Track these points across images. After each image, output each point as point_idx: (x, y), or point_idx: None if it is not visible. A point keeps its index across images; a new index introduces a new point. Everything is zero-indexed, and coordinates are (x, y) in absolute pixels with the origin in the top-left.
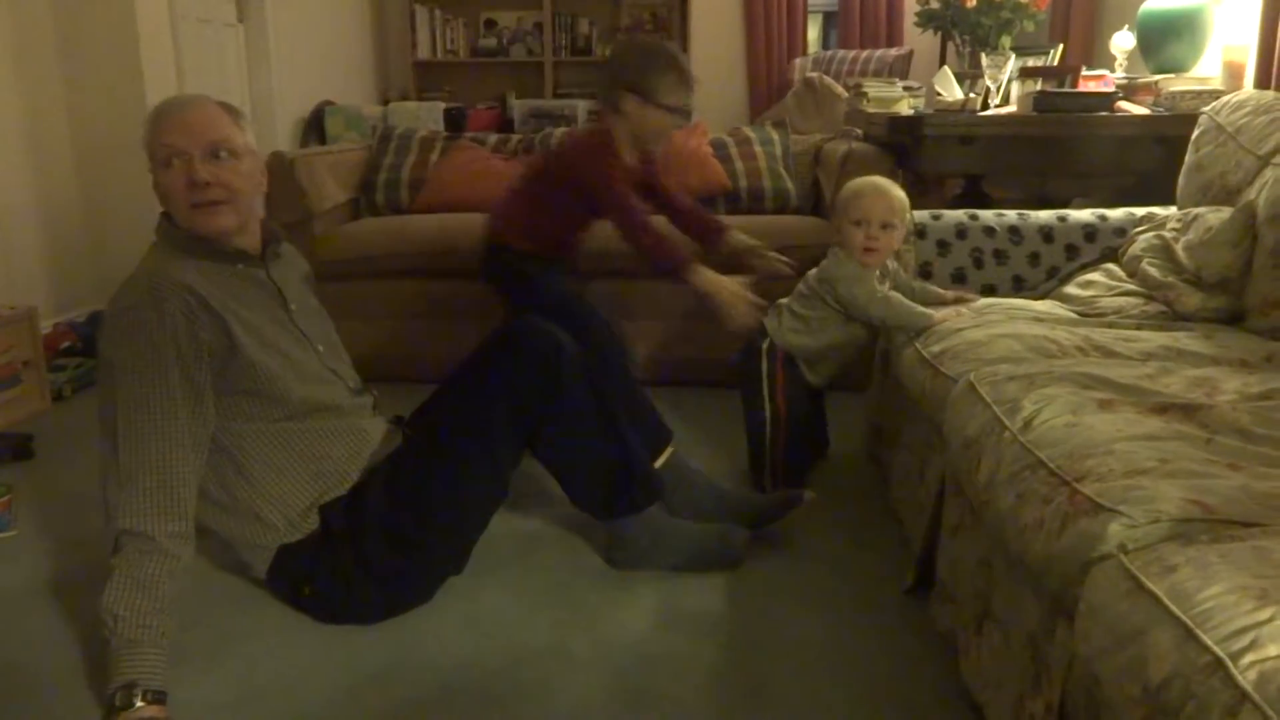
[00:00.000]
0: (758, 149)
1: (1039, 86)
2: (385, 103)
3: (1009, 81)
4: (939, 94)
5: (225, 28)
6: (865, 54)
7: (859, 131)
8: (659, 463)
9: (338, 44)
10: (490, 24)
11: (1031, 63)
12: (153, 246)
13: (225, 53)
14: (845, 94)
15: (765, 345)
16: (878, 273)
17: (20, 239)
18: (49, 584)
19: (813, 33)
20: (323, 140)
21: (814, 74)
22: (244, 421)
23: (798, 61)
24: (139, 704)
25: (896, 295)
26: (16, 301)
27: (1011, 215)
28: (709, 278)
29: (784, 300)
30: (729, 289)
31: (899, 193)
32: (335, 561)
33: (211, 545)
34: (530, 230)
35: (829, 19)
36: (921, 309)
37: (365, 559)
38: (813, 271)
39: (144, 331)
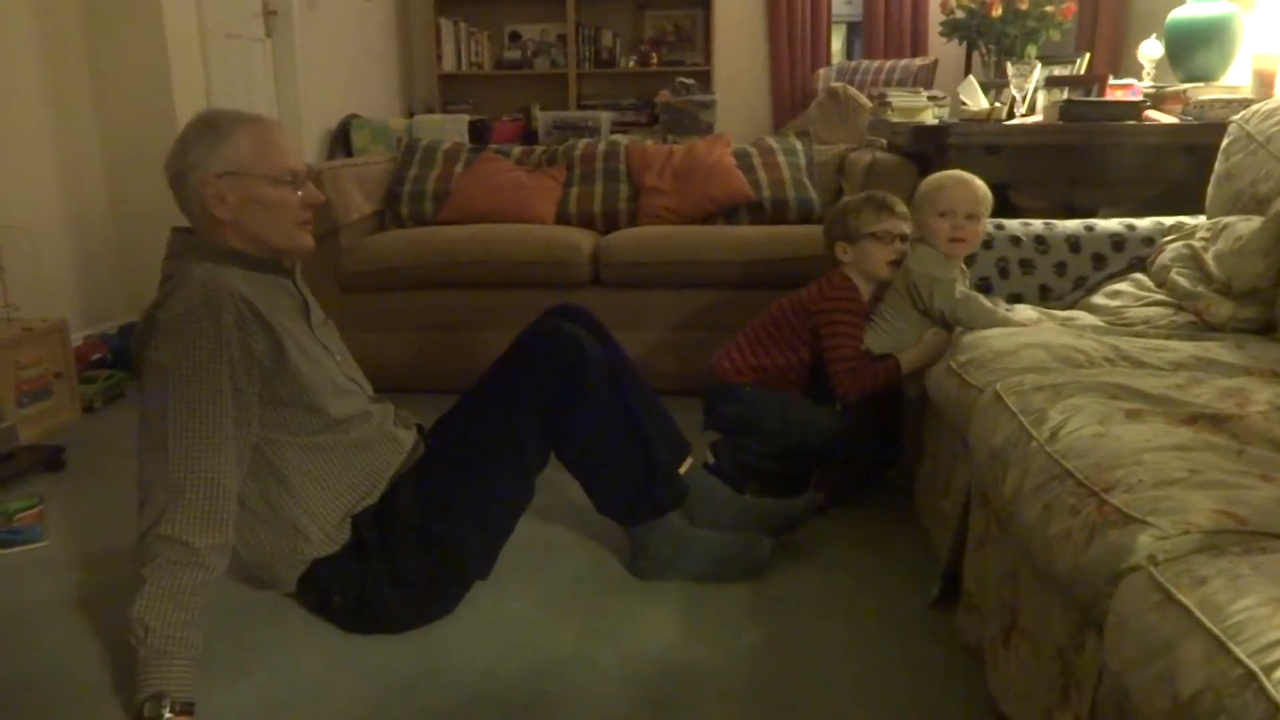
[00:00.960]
0: (781, 159)
1: (1065, 95)
2: (410, 115)
3: (1035, 91)
4: (964, 103)
5: (253, 42)
6: (889, 64)
7: (883, 141)
8: (680, 471)
9: (364, 58)
10: (514, 37)
11: (1058, 71)
12: (181, 256)
13: (253, 67)
14: (869, 104)
15: None
16: (959, 270)
17: (51, 252)
18: (77, 596)
19: (836, 43)
20: (349, 153)
21: (838, 84)
22: (286, 434)
23: (821, 72)
24: (167, 715)
25: (977, 295)
26: (47, 314)
27: (1038, 224)
28: (917, 357)
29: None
30: (935, 348)
31: (982, 184)
32: (366, 570)
33: (233, 561)
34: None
35: (853, 29)
36: (1002, 311)
37: (396, 566)
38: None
39: (199, 339)
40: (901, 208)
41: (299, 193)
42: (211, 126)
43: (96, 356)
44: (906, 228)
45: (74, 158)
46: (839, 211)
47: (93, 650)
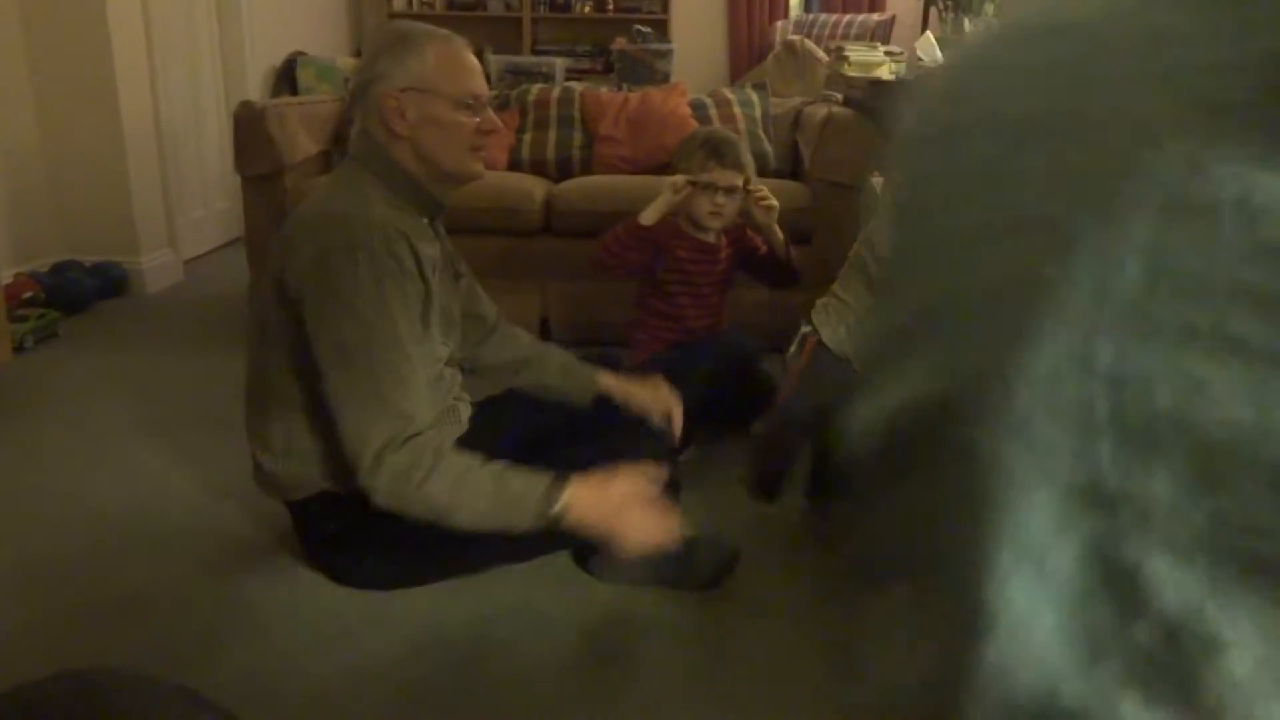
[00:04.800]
0: (737, 110)
1: None
2: (358, 54)
3: None
4: (921, 60)
5: None
6: (847, 19)
7: (839, 96)
8: None
9: None
10: None
11: None
12: (349, 176)
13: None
14: (826, 58)
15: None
16: None
17: None
18: (7, 536)
19: None
20: (294, 91)
21: (795, 37)
22: None
23: (779, 24)
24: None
25: None
26: None
27: None
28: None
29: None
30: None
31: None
32: (368, 521)
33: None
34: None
35: None
36: None
37: (396, 534)
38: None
39: (384, 272)
40: (738, 158)
41: (477, 118)
42: (403, 39)
43: (28, 295)
44: (739, 179)
45: (3, 87)
46: (681, 144)
47: (17, 589)
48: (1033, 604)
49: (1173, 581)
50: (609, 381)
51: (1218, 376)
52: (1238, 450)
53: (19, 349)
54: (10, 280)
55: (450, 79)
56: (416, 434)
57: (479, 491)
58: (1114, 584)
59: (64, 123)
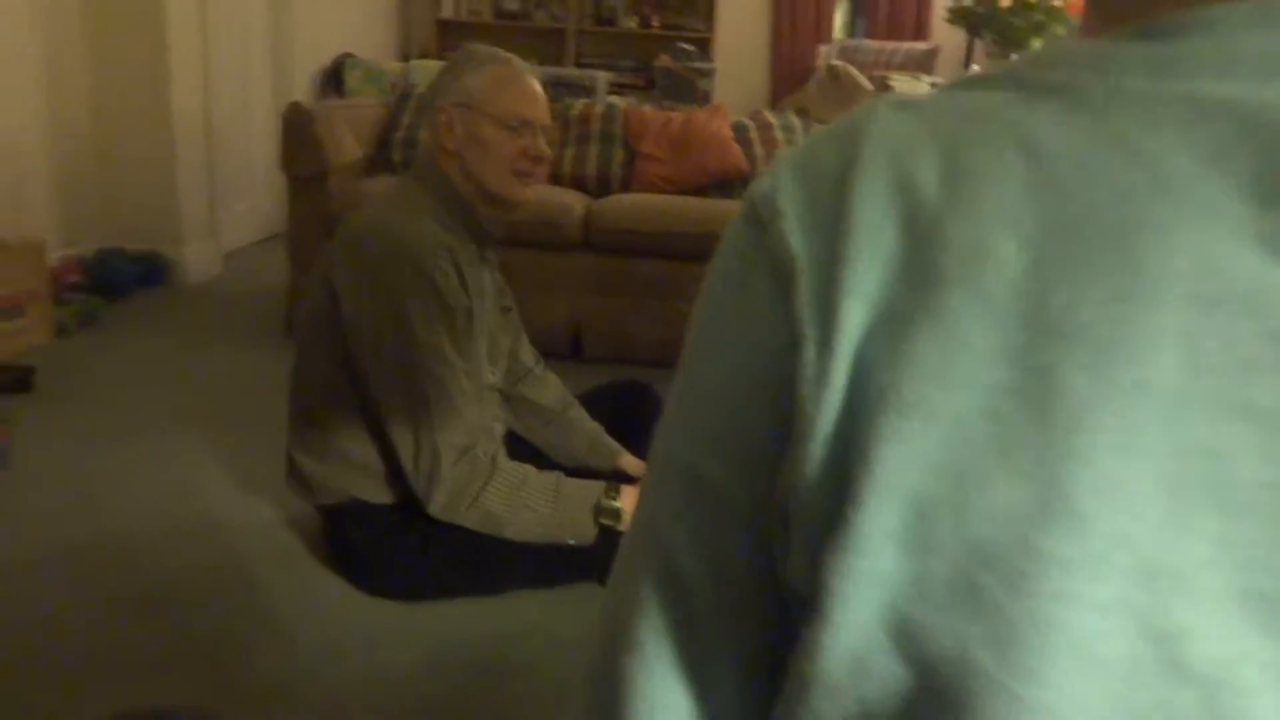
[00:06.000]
0: (779, 135)
1: None
2: (406, 59)
3: None
4: None
5: None
6: (891, 46)
7: None
8: None
9: None
10: None
11: None
12: (405, 190)
13: None
14: (870, 87)
15: None
16: None
17: (31, 169)
18: (45, 522)
19: (838, 20)
20: (340, 94)
21: (838, 63)
22: None
23: (822, 48)
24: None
25: None
26: (24, 232)
27: None
28: None
29: None
30: None
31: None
32: (398, 529)
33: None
34: None
35: (856, 5)
36: None
37: (428, 549)
38: None
39: (431, 286)
40: None
41: (523, 141)
42: (467, 58)
43: (72, 280)
44: None
45: (60, 75)
46: None
47: (53, 574)
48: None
49: (1214, 636)
50: (631, 463)
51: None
52: (1258, 500)
53: (61, 333)
54: (56, 264)
55: (498, 98)
56: (471, 446)
57: (535, 498)
58: (1163, 654)
59: (117, 112)
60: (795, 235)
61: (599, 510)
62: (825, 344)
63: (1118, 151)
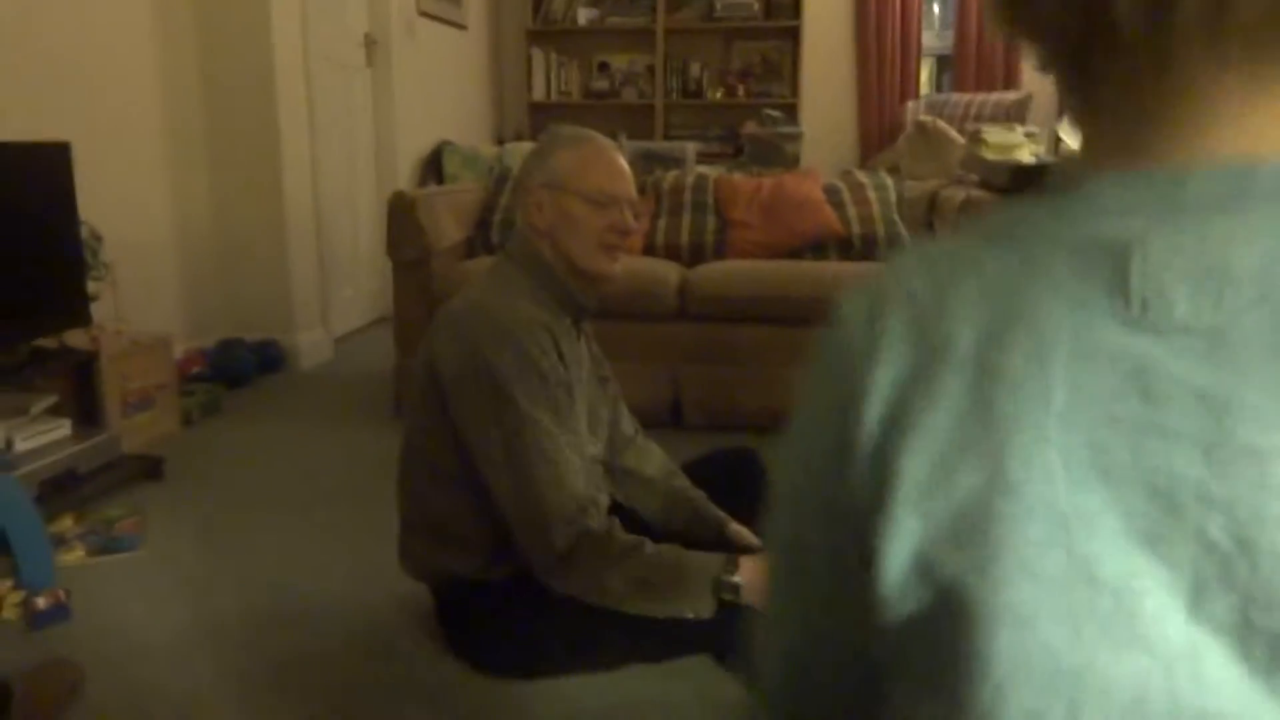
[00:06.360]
0: (871, 194)
1: None
2: (500, 143)
3: None
4: (1063, 141)
5: (354, 71)
6: (980, 98)
7: (974, 177)
8: None
9: (458, 86)
10: (603, 67)
11: None
12: (500, 271)
13: (353, 94)
14: (961, 139)
15: None
16: None
17: (160, 270)
18: (173, 600)
19: (925, 75)
20: (440, 179)
21: (927, 118)
22: None
23: (910, 105)
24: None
25: None
26: (154, 329)
27: None
28: None
29: None
30: None
31: None
32: (505, 609)
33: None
34: None
35: (942, 62)
36: None
37: (535, 631)
38: None
39: (532, 365)
40: None
41: (609, 216)
42: (554, 139)
43: (195, 370)
44: None
45: (184, 179)
46: None
47: (190, 652)
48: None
49: (1114, 558)
50: (738, 531)
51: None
52: (1127, 474)
53: (186, 422)
54: (181, 356)
55: (583, 176)
56: (581, 517)
57: (653, 570)
58: (1083, 570)
59: (235, 212)
60: (858, 344)
61: (718, 585)
62: (857, 408)
63: (1030, 269)
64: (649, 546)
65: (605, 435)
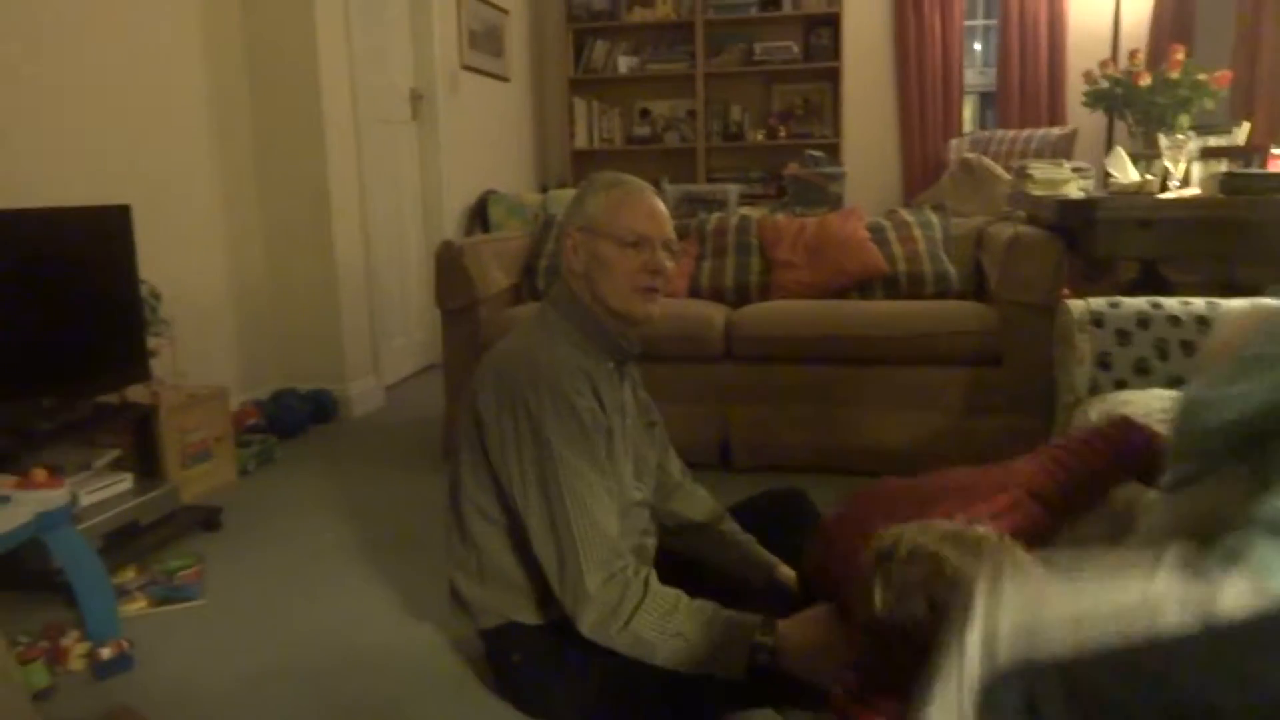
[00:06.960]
0: (916, 232)
1: (1224, 167)
2: (544, 190)
3: (1190, 162)
4: (1111, 176)
5: (401, 125)
6: (1026, 134)
7: (1022, 214)
8: None
9: (501, 136)
10: (645, 113)
11: (1214, 142)
12: (541, 316)
13: (399, 148)
14: (1006, 175)
15: None
16: None
17: (216, 325)
18: (235, 653)
19: (968, 112)
20: (485, 227)
21: (971, 154)
22: None
23: (953, 142)
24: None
25: None
26: (211, 381)
27: (1199, 303)
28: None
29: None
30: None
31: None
32: (559, 652)
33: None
34: None
35: (985, 99)
36: None
37: (586, 672)
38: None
39: (569, 408)
40: None
41: (641, 257)
42: (590, 184)
43: (251, 421)
44: None
45: (239, 236)
46: None
47: (252, 699)
48: None
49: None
50: (787, 574)
51: None
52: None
53: (243, 473)
54: (237, 408)
55: (616, 218)
56: (622, 568)
57: (687, 625)
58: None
59: (287, 265)
60: None
61: (753, 648)
62: None
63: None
64: (684, 601)
65: (652, 480)
